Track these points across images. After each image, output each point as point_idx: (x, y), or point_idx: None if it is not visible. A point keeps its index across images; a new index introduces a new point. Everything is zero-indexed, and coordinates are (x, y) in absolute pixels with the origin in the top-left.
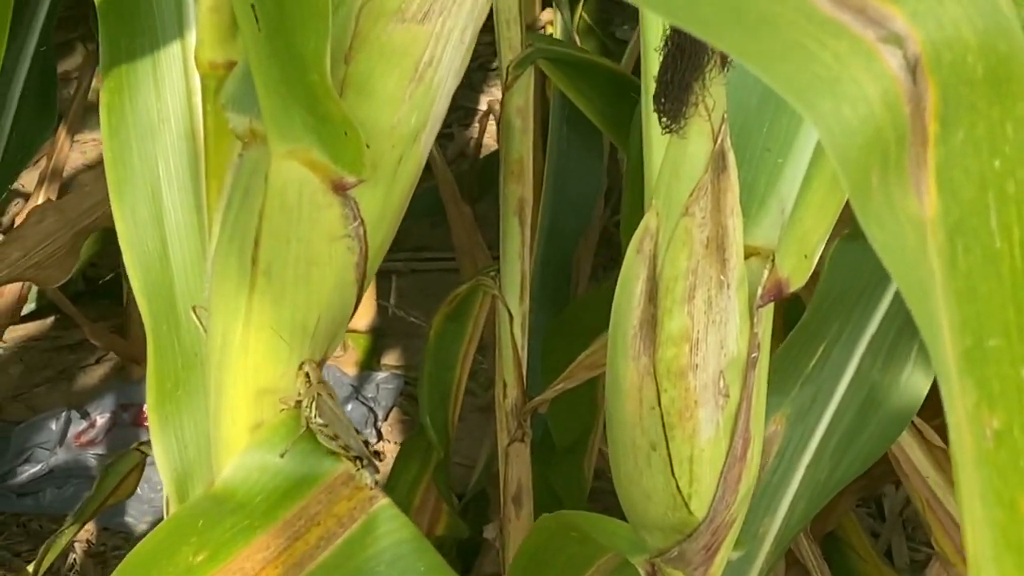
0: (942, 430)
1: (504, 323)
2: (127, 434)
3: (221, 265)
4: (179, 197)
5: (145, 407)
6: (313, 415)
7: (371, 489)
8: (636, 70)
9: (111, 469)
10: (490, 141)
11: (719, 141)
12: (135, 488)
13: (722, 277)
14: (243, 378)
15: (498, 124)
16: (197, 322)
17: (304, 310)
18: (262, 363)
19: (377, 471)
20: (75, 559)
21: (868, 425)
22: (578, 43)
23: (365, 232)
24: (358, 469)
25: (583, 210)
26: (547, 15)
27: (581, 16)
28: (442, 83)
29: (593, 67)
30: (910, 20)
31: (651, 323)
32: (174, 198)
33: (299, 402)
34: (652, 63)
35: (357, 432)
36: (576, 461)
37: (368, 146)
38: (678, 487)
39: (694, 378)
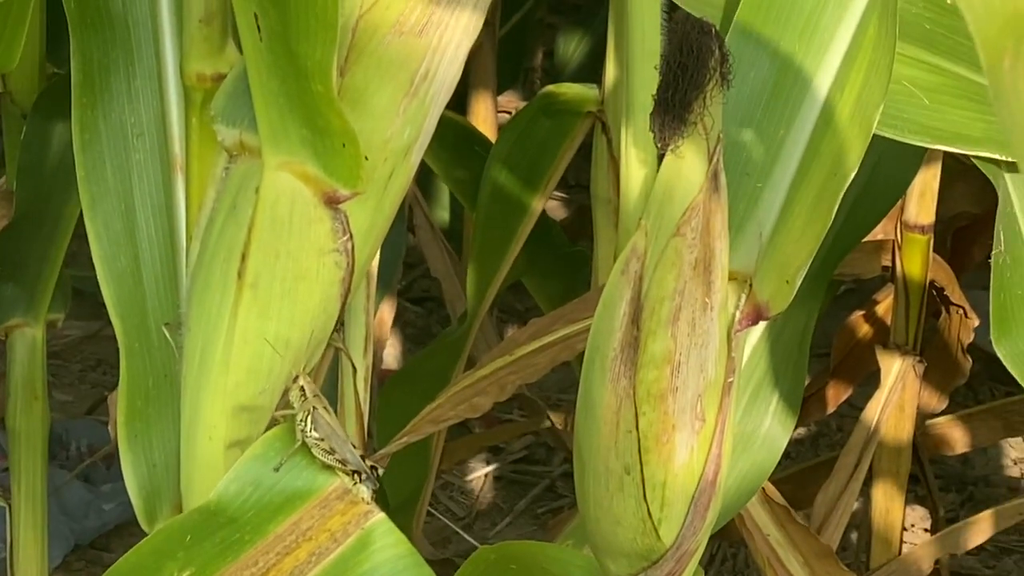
0: (785, 485)
1: (347, 376)
2: None
3: (203, 280)
4: (152, 213)
5: None
6: (309, 429)
7: (366, 504)
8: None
9: None
10: None
11: (714, 161)
12: None
13: (707, 299)
14: (222, 395)
15: None
16: (169, 339)
17: (289, 325)
18: (243, 379)
19: (376, 484)
20: None
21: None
22: None
23: (353, 247)
24: (355, 484)
25: (386, 273)
26: None
27: None
28: (435, 97)
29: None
30: None
31: (633, 345)
32: (147, 214)
33: (292, 417)
34: (639, 84)
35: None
36: (407, 518)
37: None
38: (649, 512)
39: (673, 401)
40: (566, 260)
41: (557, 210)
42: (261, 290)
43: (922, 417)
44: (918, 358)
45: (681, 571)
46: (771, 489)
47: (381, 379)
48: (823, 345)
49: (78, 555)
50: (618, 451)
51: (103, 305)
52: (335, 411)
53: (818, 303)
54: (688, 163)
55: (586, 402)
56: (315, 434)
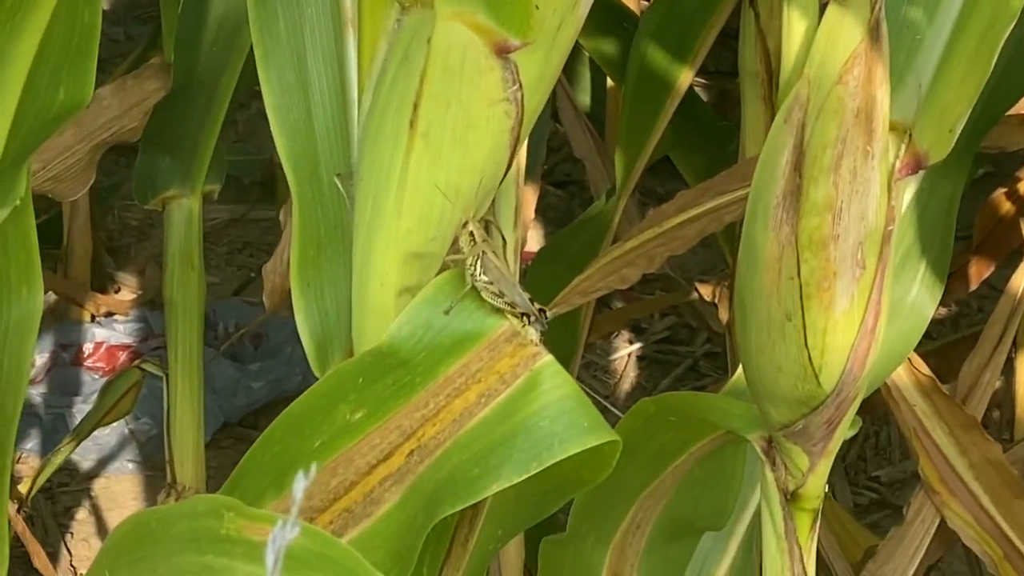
0: (929, 359)
1: (497, 249)
2: (67, 374)
3: (375, 129)
4: (324, 66)
5: (85, 347)
6: (478, 273)
7: (534, 346)
8: None
9: (110, 387)
10: None
11: (877, 9)
12: (132, 407)
13: (868, 148)
14: (394, 242)
15: None
16: (341, 189)
17: (459, 173)
18: (415, 227)
19: (545, 326)
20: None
21: None
22: None
23: (523, 97)
24: (524, 325)
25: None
26: None
27: None
28: None
29: None
30: None
31: (795, 193)
32: (319, 67)
33: (463, 260)
34: None
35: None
36: None
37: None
38: (810, 358)
39: (835, 248)
40: (713, 134)
41: (700, 94)
42: (432, 139)
43: None
44: None
45: (841, 418)
46: (917, 360)
47: (525, 261)
48: (963, 228)
49: (227, 432)
50: (780, 298)
51: (250, 188)
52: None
53: (964, 173)
54: (851, 12)
55: (748, 250)
56: (484, 278)
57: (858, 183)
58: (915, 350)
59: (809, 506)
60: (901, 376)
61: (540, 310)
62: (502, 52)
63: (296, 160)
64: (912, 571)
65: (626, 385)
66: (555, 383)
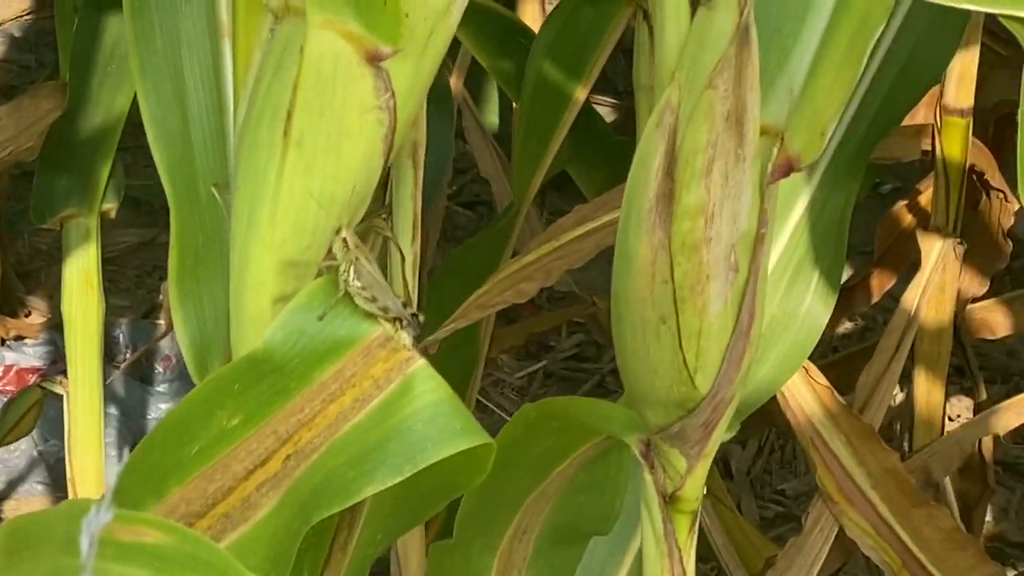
0: (831, 371)
1: (396, 264)
2: None
3: (250, 139)
4: (201, 77)
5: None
6: (351, 278)
7: (407, 350)
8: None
9: (11, 406)
10: None
11: (745, 13)
12: (33, 426)
13: (739, 151)
14: (270, 250)
15: None
16: (218, 199)
17: (334, 181)
18: (290, 235)
19: (417, 330)
20: None
21: (768, 356)
22: None
23: (395, 105)
24: (397, 330)
25: (434, 176)
26: None
27: None
28: None
29: (484, 12)
30: None
31: (668, 197)
32: (196, 78)
33: (332, 268)
34: None
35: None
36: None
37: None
38: (685, 361)
39: (707, 252)
40: (610, 149)
41: (607, 115)
42: (306, 147)
43: (963, 301)
44: (958, 240)
45: (718, 420)
46: (814, 371)
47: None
48: (868, 244)
49: None
50: (654, 301)
51: (159, 212)
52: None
53: (857, 184)
54: (720, 14)
55: (622, 255)
56: (357, 283)
57: (730, 187)
58: (818, 363)
59: (687, 508)
60: (799, 387)
61: (413, 315)
62: (373, 60)
63: (173, 171)
64: None
65: (534, 401)
66: (428, 387)
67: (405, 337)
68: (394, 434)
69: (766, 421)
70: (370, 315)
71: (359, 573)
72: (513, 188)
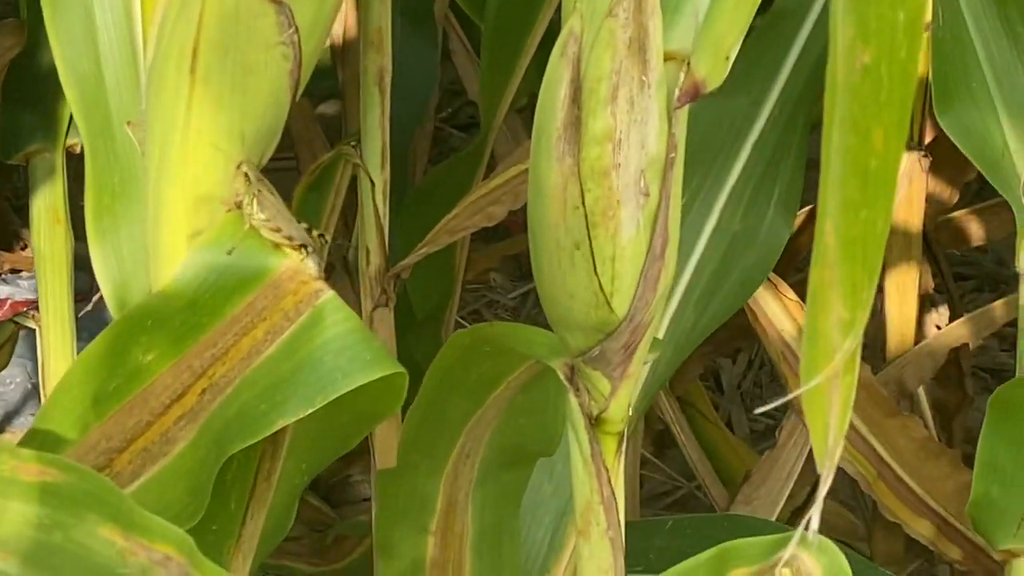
0: (797, 286)
1: (366, 191)
2: None
3: (158, 77)
4: (111, 17)
5: None
6: (256, 211)
7: (317, 282)
8: None
9: None
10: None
11: None
12: (7, 362)
13: (644, 77)
14: (182, 187)
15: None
16: (132, 137)
17: (241, 117)
18: (201, 172)
19: (322, 258)
20: None
21: (731, 274)
22: None
23: (299, 40)
24: (303, 259)
25: (419, 100)
26: None
27: None
28: None
29: None
30: None
31: (575, 125)
32: (106, 18)
33: (241, 203)
34: None
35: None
36: (435, 328)
37: None
38: (600, 285)
39: (617, 177)
40: None
41: None
42: (212, 84)
43: (935, 213)
44: (923, 152)
45: (637, 342)
46: (783, 286)
47: None
48: None
49: None
50: (567, 227)
51: None
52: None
53: (818, 100)
54: None
55: (535, 182)
56: (262, 215)
57: (636, 113)
58: (788, 280)
59: (613, 429)
60: (768, 302)
61: (320, 235)
62: None
63: (87, 110)
64: (787, 492)
65: (527, 320)
66: (338, 318)
67: (311, 264)
68: (305, 366)
69: (754, 336)
70: (278, 248)
71: (287, 503)
72: (482, 112)
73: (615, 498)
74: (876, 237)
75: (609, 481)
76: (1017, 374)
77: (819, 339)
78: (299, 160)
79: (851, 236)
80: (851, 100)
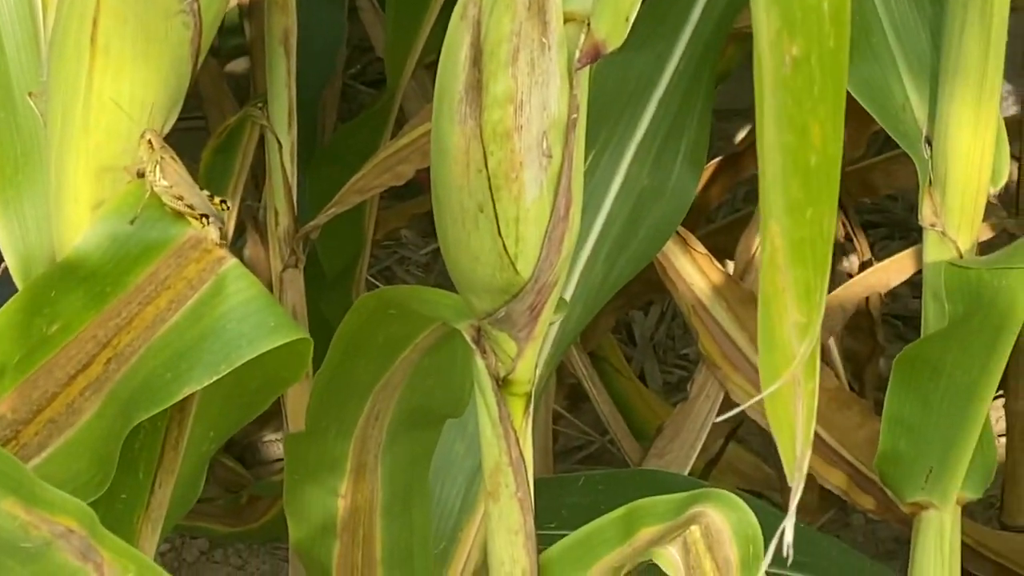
0: (706, 239)
1: (273, 152)
2: None
3: (59, 47)
4: None
5: None
6: (158, 178)
7: (219, 250)
8: None
9: None
10: None
11: None
12: None
13: (544, 39)
14: (85, 157)
15: None
16: (34, 108)
17: (143, 86)
18: (103, 141)
19: (222, 225)
20: None
21: (640, 229)
22: None
23: (200, 8)
24: (204, 226)
25: (326, 58)
26: None
27: None
28: None
29: None
30: None
31: (476, 87)
32: None
33: (144, 171)
34: None
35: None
36: (345, 288)
37: None
38: (505, 247)
39: (519, 139)
40: None
41: None
42: (113, 53)
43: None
44: None
45: (543, 303)
46: (692, 240)
47: None
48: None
49: None
50: (471, 190)
51: None
52: (263, 186)
53: (721, 56)
54: None
55: (438, 145)
56: (164, 183)
57: (537, 74)
58: (696, 233)
59: (520, 391)
60: (677, 256)
61: (222, 201)
62: None
63: None
64: (700, 445)
65: (439, 277)
66: (240, 286)
67: (213, 232)
68: (209, 333)
69: (665, 288)
70: (181, 217)
71: (195, 470)
72: (388, 70)
73: (523, 459)
74: (824, 236)
75: (517, 442)
76: (922, 333)
77: (776, 345)
78: (208, 119)
79: (799, 237)
80: (784, 95)
